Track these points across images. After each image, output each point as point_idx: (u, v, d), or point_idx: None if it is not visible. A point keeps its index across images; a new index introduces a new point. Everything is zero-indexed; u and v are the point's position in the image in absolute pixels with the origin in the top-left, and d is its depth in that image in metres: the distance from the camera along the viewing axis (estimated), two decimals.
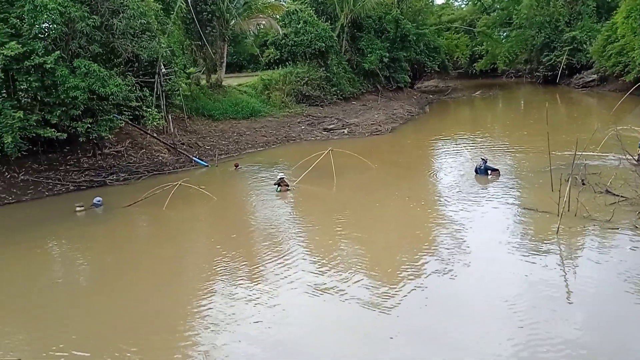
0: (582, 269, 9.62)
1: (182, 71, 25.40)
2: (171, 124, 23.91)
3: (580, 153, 13.48)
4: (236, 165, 20.65)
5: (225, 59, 32.12)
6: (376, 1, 38.72)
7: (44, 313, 9.23)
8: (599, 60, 43.01)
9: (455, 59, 69.88)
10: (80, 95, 17.05)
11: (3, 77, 16.62)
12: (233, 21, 31.17)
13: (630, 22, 37.15)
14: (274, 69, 36.29)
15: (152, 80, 22.03)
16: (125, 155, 21.05)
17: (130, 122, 21.20)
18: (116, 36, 19.09)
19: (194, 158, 22.08)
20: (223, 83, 31.18)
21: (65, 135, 17.96)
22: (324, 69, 35.71)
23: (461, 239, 11.51)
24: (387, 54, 40.20)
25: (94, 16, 18.04)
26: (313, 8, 38.30)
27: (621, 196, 13.03)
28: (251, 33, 38.59)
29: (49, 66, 16.54)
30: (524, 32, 54.71)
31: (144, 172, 20.06)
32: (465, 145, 23.35)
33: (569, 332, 7.50)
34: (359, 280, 9.58)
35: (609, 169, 15.87)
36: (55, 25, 17.09)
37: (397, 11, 41.80)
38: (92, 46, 18.16)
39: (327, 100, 34.94)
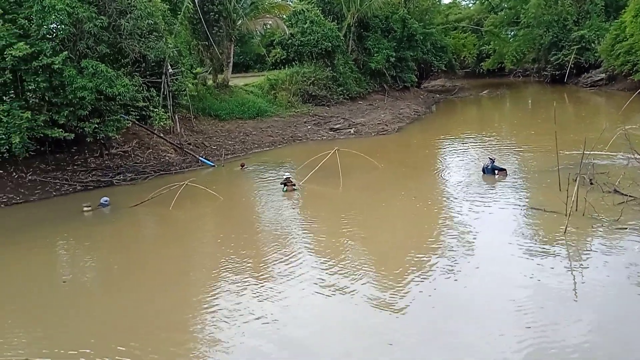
0: (590, 270, 9.54)
1: (188, 71, 25.46)
2: (178, 124, 23.97)
3: (589, 152, 13.37)
4: (242, 165, 20.67)
5: (231, 59, 32.19)
6: (383, 1, 38.72)
7: (50, 312, 9.28)
8: (607, 59, 42.70)
9: (462, 58, 69.63)
10: (88, 95, 17.14)
11: (11, 77, 16.72)
12: (240, 21, 31.26)
13: (638, 21, 36.88)
14: (280, 68, 36.31)
15: (159, 80, 22.12)
16: (132, 155, 21.13)
17: (137, 122, 21.27)
18: (123, 36, 19.17)
19: (200, 158, 22.14)
20: (229, 83, 31.26)
21: (72, 136, 18.05)
22: (330, 68, 35.71)
23: (468, 239, 11.46)
24: (394, 54, 40.18)
25: (102, 17, 18.12)
26: (320, 8, 38.37)
27: (630, 196, 12.92)
28: (258, 33, 38.69)
29: (56, 67, 16.64)
30: (532, 31, 54.41)
31: (150, 172, 20.13)
32: (472, 144, 23.26)
33: (578, 334, 7.44)
34: (365, 280, 9.56)
35: (617, 168, 15.74)
36: (63, 26, 17.17)
37: (404, 11, 41.76)
38: (100, 46, 18.25)
39: (334, 100, 34.95)
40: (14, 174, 17.81)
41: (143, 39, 19.81)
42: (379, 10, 39.70)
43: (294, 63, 35.89)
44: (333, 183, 16.84)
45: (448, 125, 32.21)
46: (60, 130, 17.60)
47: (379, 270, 10.09)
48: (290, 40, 36.04)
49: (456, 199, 14.62)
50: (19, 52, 15.95)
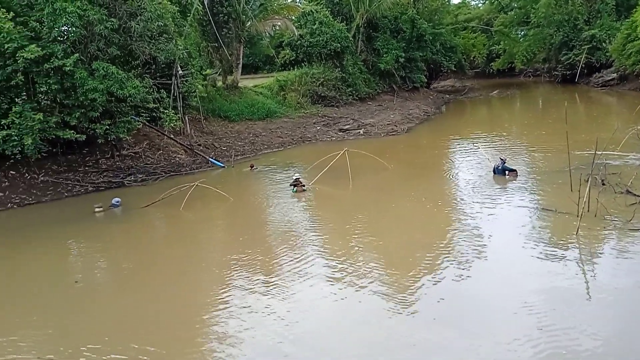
0: (602, 271, 9.46)
1: (198, 73, 25.60)
2: (188, 125, 24.09)
3: (600, 153, 13.22)
4: (252, 166, 20.72)
5: (241, 60, 32.30)
6: (392, 1, 38.64)
7: (62, 312, 9.37)
8: (619, 58, 42.27)
9: (472, 58, 69.29)
10: (99, 97, 17.27)
11: (23, 79, 16.88)
12: (249, 23, 31.34)
13: None
14: (289, 70, 36.37)
15: (169, 82, 22.22)
16: (143, 156, 21.27)
17: (147, 123, 21.40)
18: (134, 38, 19.31)
19: (210, 159, 22.22)
20: (239, 84, 31.34)
21: (84, 137, 18.18)
22: (339, 69, 35.71)
23: (479, 240, 11.39)
24: (403, 54, 40.06)
25: (112, 19, 18.27)
26: (328, 9, 38.38)
27: None
28: (267, 34, 38.70)
29: (68, 69, 16.80)
30: (542, 30, 53.98)
31: (161, 173, 20.24)
32: (482, 145, 23.14)
33: (589, 336, 7.36)
34: (375, 281, 9.54)
35: (630, 168, 15.57)
36: (74, 28, 17.32)
37: (413, 11, 41.63)
38: (111, 48, 18.38)
39: (343, 100, 34.94)
40: (27, 175, 17.99)
41: (153, 41, 19.94)
42: (388, 10, 39.63)
43: (303, 64, 35.95)
44: (343, 184, 16.83)
45: (458, 126, 32.07)
46: (72, 131, 17.75)
47: (389, 271, 10.04)
48: (299, 41, 36.09)
49: (466, 200, 14.54)
50: (31, 54, 16.12)
